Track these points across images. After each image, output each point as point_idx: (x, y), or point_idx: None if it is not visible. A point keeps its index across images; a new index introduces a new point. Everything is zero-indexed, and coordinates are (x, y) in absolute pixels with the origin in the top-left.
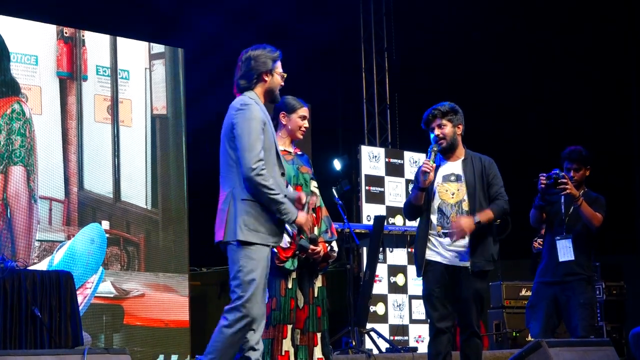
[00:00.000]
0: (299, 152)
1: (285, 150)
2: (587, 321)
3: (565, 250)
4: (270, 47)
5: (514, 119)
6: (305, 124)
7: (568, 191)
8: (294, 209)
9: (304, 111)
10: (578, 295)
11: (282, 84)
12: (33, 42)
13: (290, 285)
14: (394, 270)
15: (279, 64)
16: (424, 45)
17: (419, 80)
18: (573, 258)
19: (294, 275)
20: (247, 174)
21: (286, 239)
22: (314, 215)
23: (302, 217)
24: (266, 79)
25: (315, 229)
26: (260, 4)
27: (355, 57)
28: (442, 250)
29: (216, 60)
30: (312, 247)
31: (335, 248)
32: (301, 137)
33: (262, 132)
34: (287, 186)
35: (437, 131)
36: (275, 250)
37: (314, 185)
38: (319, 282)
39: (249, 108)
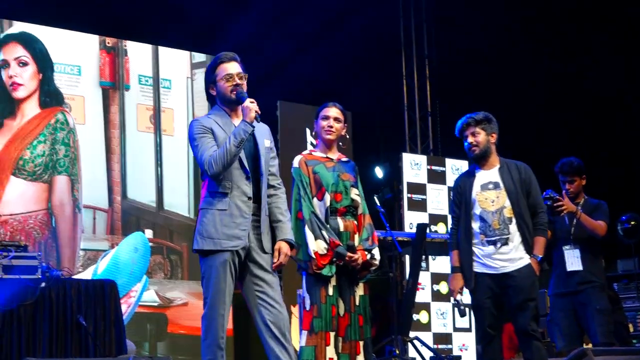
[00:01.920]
0: (344, 159)
1: (325, 157)
2: (606, 327)
3: (573, 260)
4: (221, 53)
5: (558, 123)
6: (330, 123)
7: (565, 211)
8: (238, 127)
9: (324, 112)
10: (594, 302)
11: (233, 83)
12: (76, 52)
13: (330, 292)
14: (436, 278)
15: (221, 68)
16: (466, 50)
17: (461, 86)
18: (581, 268)
19: (333, 282)
20: (208, 172)
21: (323, 245)
22: (355, 222)
23: (246, 102)
24: (212, 92)
25: (356, 237)
26: (299, 8)
27: (395, 63)
28: (487, 260)
29: (257, 67)
30: (349, 254)
31: (377, 256)
32: (330, 137)
33: (207, 134)
34: (324, 194)
35: (470, 139)
36: (313, 256)
37: (355, 192)
38: (360, 290)
39: (192, 124)
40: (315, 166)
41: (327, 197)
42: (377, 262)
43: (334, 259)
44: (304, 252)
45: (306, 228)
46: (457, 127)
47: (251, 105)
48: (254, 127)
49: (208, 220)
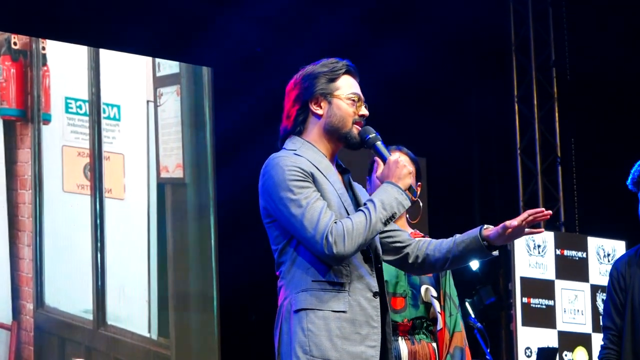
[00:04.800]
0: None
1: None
2: None
3: None
4: (332, 58)
5: None
6: None
7: None
8: (387, 193)
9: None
10: None
11: (362, 112)
12: None
13: None
14: None
15: (344, 81)
16: (618, 57)
17: (610, 114)
18: None
19: None
20: (328, 251)
21: None
22: (434, 345)
23: (395, 157)
24: (317, 110)
25: None
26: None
27: (503, 77)
28: None
29: (268, 84)
30: None
31: None
32: None
33: (310, 184)
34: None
35: None
36: None
37: (432, 294)
38: None
39: (277, 164)
40: None
41: None
42: None
43: None
44: None
45: None
46: (632, 176)
47: (405, 165)
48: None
49: (318, 328)
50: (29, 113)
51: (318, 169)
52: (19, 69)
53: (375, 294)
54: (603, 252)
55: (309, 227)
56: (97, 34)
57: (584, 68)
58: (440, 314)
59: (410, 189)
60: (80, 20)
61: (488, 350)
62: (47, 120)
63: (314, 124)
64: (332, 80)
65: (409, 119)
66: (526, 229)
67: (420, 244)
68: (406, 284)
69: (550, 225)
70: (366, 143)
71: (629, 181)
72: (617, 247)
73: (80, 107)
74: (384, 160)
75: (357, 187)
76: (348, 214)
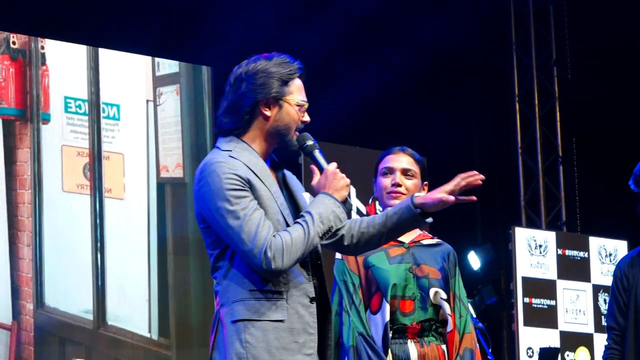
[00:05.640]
0: (428, 241)
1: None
2: None
3: None
4: (284, 56)
5: None
6: (396, 179)
7: None
8: (325, 205)
9: (386, 162)
10: None
11: (305, 119)
12: None
13: None
14: None
15: (295, 86)
16: (619, 56)
17: (613, 114)
18: None
19: None
20: (266, 265)
21: None
22: (444, 347)
23: (332, 166)
24: (266, 112)
25: None
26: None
27: (503, 77)
28: None
29: None
30: None
31: None
32: (393, 201)
33: (248, 193)
34: (382, 302)
35: None
36: None
37: (441, 296)
38: None
39: (214, 172)
40: (369, 256)
41: (386, 308)
42: None
43: None
44: None
45: None
46: (634, 176)
47: (343, 176)
48: (348, 210)
49: (257, 340)
50: (28, 113)
51: (254, 172)
52: (18, 69)
53: (312, 300)
54: (605, 252)
55: (247, 241)
56: (96, 33)
57: (585, 67)
58: (450, 315)
59: (345, 201)
60: (80, 20)
61: (490, 351)
62: (46, 120)
63: (258, 124)
64: (286, 83)
65: (409, 118)
66: (458, 197)
67: (353, 224)
68: (415, 286)
69: (551, 225)
70: (303, 151)
71: (631, 181)
72: (619, 247)
73: (79, 106)
74: (321, 169)
75: (291, 179)
76: (284, 218)
